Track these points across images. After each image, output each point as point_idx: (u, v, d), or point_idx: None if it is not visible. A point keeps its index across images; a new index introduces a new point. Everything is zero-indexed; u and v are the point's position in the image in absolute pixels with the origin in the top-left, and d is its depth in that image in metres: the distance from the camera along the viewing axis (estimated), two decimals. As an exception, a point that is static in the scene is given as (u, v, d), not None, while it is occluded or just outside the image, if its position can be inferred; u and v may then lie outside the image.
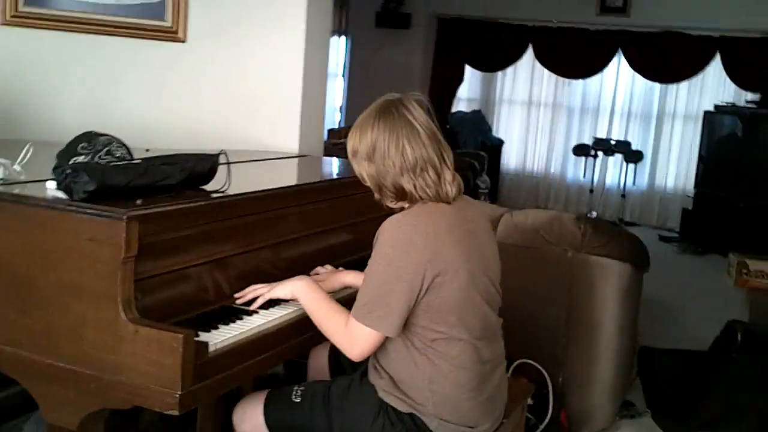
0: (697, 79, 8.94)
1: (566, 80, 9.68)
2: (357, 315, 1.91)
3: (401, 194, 1.99)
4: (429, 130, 1.98)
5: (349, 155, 2.06)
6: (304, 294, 2.03)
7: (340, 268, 2.38)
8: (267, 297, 2.05)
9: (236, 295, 2.06)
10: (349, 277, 2.32)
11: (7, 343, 1.83)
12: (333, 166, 3.50)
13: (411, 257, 1.88)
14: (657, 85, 9.21)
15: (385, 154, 1.96)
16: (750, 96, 8.32)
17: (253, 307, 2.03)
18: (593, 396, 3.38)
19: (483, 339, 2.00)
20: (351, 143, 2.04)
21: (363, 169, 2.02)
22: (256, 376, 2.66)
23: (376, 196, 2.07)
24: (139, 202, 1.81)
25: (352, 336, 1.92)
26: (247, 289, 2.08)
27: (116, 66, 3.59)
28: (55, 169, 1.89)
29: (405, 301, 1.88)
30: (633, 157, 9.06)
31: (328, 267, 2.37)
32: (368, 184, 2.05)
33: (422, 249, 1.88)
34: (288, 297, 2.05)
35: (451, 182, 1.99)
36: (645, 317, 4.23)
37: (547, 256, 3.33)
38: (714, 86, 8.91)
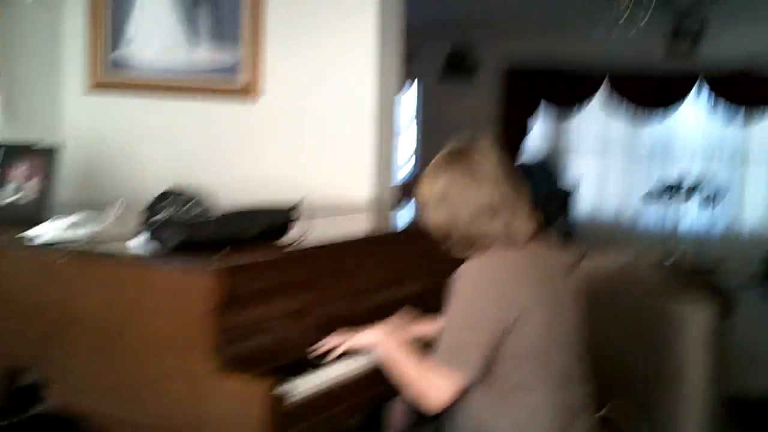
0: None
1: (641, 122, 9.55)
2: (442, 361, 1.89)
3: (473, 240, 1.98)
4: (500, 172, 1.98)
5: (420, 204, 2.06)
6: (383, 344, 2.03)
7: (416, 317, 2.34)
8: (346, 348, 2.05)
9: (313, 348, 2.06)
10: (421, 329, 2.28)
11: (95, 396, 1.90)
12: (404, 218, 3.53)
13: (487, 302, 1.87)
14: (738, 124, 8.98)
15: (456, 199, 1.96)
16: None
17: (331, 357, 2.03)
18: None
19: (562, 387, 1.98)
20: (421, 192, 2.04)
21: (435, 216, 2.02)
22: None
23: (446, 245, 2.06)
24: (224, 251, 1.86)
25: (437, 384, 1.89)
26: (327, 341, 2.07)
27: (193, 127, 3.74)
28: (143, 223, 1.96)
29: (483, 346, 1.87)
30: (711, 199, 8.84)
31: (414, 312, 2.33)
32: (439, 232, 2.04)
33: (499, 295, 1.87)
34: (368, 347, 2.05)
35: (525, 224, 1.98)
36: (736, 367, 4.08)
37: (625, 304, 3.27)
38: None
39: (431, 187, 2.00)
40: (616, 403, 2.99)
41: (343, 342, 2.06)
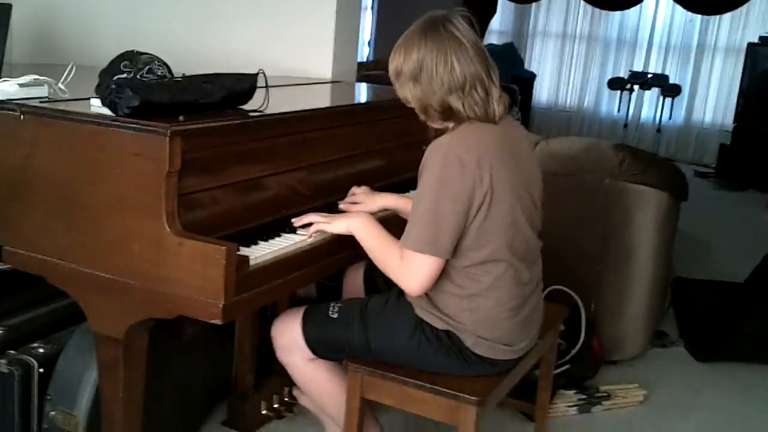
0: (741, 11, 8.69)
1: (603, 11, 9.48)
2: (410, 244, 1.89)
3: (448, 114, 1.96)
4: (476, 47, 1.95)
5: (392, 77, 2.02)
6: (360, 230, 2.02)
7: (371, 191, 2.35)
8: (322, 229, 2.04)
9: (294, 220, 2.06)
10: (387, 200, 2.31)
11: (57, 256, 1.88)
12: (366, 92, 3.49)
13: (464, 177, 1.86)
14: (698, 17, 8.99)
15: (432, 73, 1.92)
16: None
17: (308, 233, 2.02)
18: (626, 324, 3.40)
19: (524, 261, 2.01)
20: (394, 64, 1.99)
21: (408, 91, 1.99)
22: (292, 297, 2.72)
23: (422, 117, 2.04)
24: (181, 118, 1.82)
25: (409, 268, 1.90)
26: (306, 216, 2.06)
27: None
28: (98, 86, 1.91)
29: (457, 222, 1.87)
30: (670, 90, 8.92)
31: (364, 188, 2.34)
32: (413, 105, 2.01)
33: (473, 169, 1.86)
34: (344, 233, 2.03)
35: (498, 100, 1.97)
36: (680, 251, 4.23)
37: (584, 183, 3.32)
38: (759, 18, 8.67)
39: (406, 60, 1.95)
40: (558, 289, 3.09)
41: (322, 223, 2.04)
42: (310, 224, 2.05)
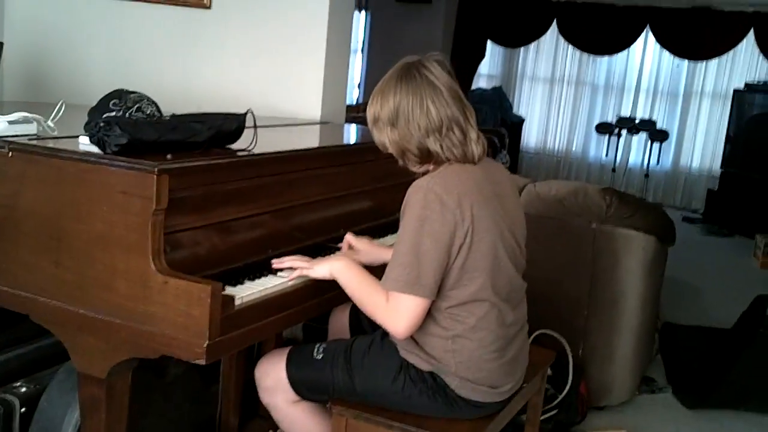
0: (727, 57, 8.84)
1: (591, 56, 9.62)
2: (393, 285, 1.88)
3: (427, 156, 1.98)
4: (451, 90, 1.97)
5: (370, 123, 2.04)
6: (342, 274, 2.00)
7: (374, 242, 2.33)
8: (304, 274, 2.01)
9: (273, 262, 2.04)
10: (388, 254, 2.28)
11: (42, 294, 1.87)
12: (354, 134, 3.52)
13: (443, 218, 1.86)
14: (684, 63, 9.12)
15: (409, 117, 1.94)
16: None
17: (289, 278, 2.00)
18: (614, 369, 3.39)
19: (508, 302, 2.01)
20: (372, 110, 2.01)
21: (385, 136, 2.00)
22: (278, 338, 2.71)
23: (400, 162, 2.05)
24: (169, 156, 1.83)
25: (395, 310, 1.89)
26: (286, 259, 2.04)
27: (142, 31, 3.62)
28: (87, 124, 1.91)
29: (439, 261, 1.87)
30: (658, 136, 9.01)
31: (362, 238, 2.30)
32: (390, 150, 2.03)
33: (454, 209, 1.87)
34: (326, 277, 2.00)
35: (476, 141, 1.98)
36: (668, 296, 4.24)
37: (571, 227, 3.33)
38: (745, 64, 8.82)
39: (383, 106, 1.98)
40: (545, 333, 3.09)
41: (304, 267, 2.02)
42: (291, 267, 2.04)
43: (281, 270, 2.04)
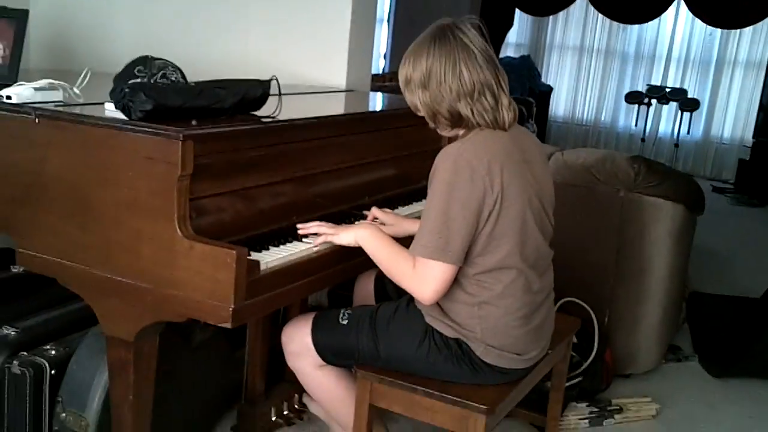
0: (762, 25, 8.64)
1: (621, 25, 9.47)
2: (421, 251, 1.88)
3: (458, 120, 1.96)
4: (485, 53, 1.94)
5: (402, 84, 2.02)
6: (368, 241, 2.00)
7: (399, 213, 2.34)
8: (329, 240, 2.02)
9: (299, 227, 2.05)
10: (414, 226, 2.23)
11: (69, 258, 1.90)
12: (379, 101, 3.50)
13: (473, 184, 1.85)
14: (717, 31, 8.95)
15: (441, 79, 1.92)
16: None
17: (314, 243, 2.01)
18: (639, 338, 3.37)
19: (535, 269, 2.00)
20: (404, 72, 2.00)
21: (417, 98, 1.98)
22: (303, 305, 2.73)
23: (431, 124, 2.04)
24: (194, 122, 1.84)
25: (422, 276, 1.89)
26: (312, 224, 2.05)
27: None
28: (112, 90, 1.92)
29: (468, 228, 1.86)
30: (688, 105, 8.87)
31: (387, 211, 2.30)
32: (422, 113, 2.01)
33: (484, 176, 1.85)
34: (351, 244, 2.02)
35: (507, 107, 1.96)
36: (696, 266, 4.20)
37: (598, 195, 3.30)
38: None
39: (415, 67, 1.96)
40: (571, 301, 3.08)
41: (329, 234, 2.03)
42: (316, 234, 2.05)
43: (306, 236, 2.05)
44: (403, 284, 1.96)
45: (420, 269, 1.89)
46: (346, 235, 2.03)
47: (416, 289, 1.93)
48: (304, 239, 2.04)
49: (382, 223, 2.23)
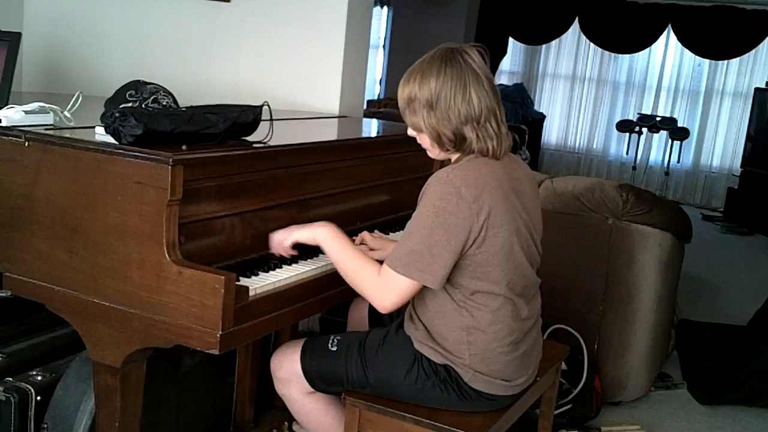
0: (749, 56, 8.76)
1: (612, 55, 9.57)
2: (396, 265, 1.88)
3: (459, 144, 1.96)
4: (491, 81, 1.96)
5: (403, 102, 1.99)
6: (325, 239, 2.01)
7: (388, 237, 2.35)
8: (288, 241, 2.04)
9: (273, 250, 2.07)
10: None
11: (57, 283, 1.89)
12: (373, 128, 3.52)
13: (461, 210, 1.85)
14: (706, 62, 9.05)
15: (450, 102, 1.91)
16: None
17: (286, 254, 2.04)
18: (628, 365, 3.37)
19: (523, 296, 2.01)
20: (408, 90, 1.97)
21: (420, 118, 1.96)
22: (293, 330, 2.72)
23: (429, 144, 2.02)
24: (184, 147, 1.84)
25: (387, 286, 1.89)
26: (271, 243, 2.07)
27: (161, 24, 3.65)
28: (103, 114, 1.93)
29: (452, 253, 1.87)
30: (678, 134, 8.94)
31: (377, 234, 2.32)
32: (421, 133, 2.00)
33: (472, 202, 1.86)
34: (309, 241, 2.03)
35: (506, 135, 1.97)
36: (687, 294, 4.21)
37: (587, 222, 3.32)
38: (766, 63, 8.72)
39: (422, 87, 1.94)
40: (561, 328, 3.07)
41: (286, 238, 2.05)
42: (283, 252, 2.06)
43: (297, 261, 2.05)
44: (360, 287, 1.96)
45: (387, 280, 1.89)
46: (303, 232, 2.04)
47: (377, 296, 1.92)
48: (286, 264, 2.04)
49: (371, 249, 2.23)
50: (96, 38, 3.67)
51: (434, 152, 2.04)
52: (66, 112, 2.08)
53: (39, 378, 2.23)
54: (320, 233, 2.02)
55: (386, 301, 1.92)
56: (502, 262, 1.92)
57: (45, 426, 2.17)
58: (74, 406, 2.15)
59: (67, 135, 1.93)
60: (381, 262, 1.96)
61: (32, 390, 2.18)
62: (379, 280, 1.91)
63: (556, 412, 2.66)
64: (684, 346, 4.03)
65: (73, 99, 2.13)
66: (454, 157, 2.01)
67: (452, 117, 1.92)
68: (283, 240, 2.06)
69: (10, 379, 2.21)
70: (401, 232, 2.48)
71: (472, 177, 1.91)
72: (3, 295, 2.61)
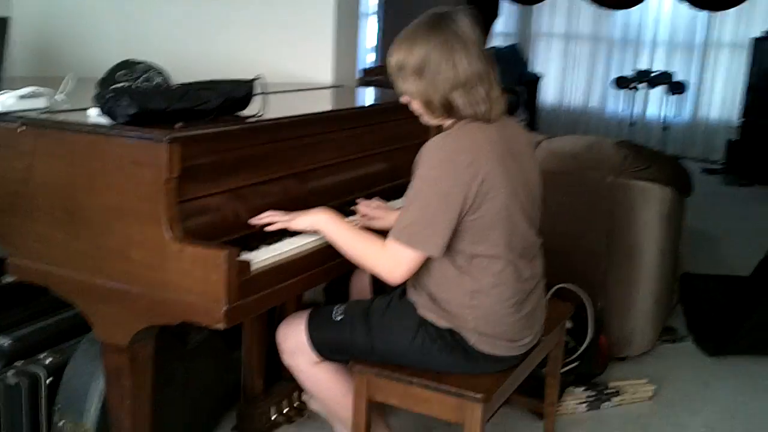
0: (745, 6, 8.65)
1: (606, 11, 9.47)
2: (400, 237, 1.89)
3: (449, 110, 1.96)
4: (480, 45, 1.95)
5: (393, 70, 1.99)
6: (325, 224, 2.00)
7: (386, 204, 2.35)
8: (283, 227, 2.01)
9: (252, 220, 2.01)
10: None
11: (59, 266, 1.90)
12: (368, 96, 3.50)
13: (455, 177, 1.86)
14: (702, 13, 8.96)
15: (437, 68, 1.91)
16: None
17: (268, 229, 2.00)
18: (633, 321, 3.39)
19: (523, 257, 2.02)
20: (396, 57, 1.96)
21: (410, 85, 1.97)
22: (298, 302, 2.73)
23: (418, 112, 2.03)
24: (179, 125, 1.84)
25: (394, 259, 1.91)
26: (264, 214, 2.03)
27: (151, 2, 3.62)
28: (96, 95, 1.92)
29: (450, 220, 1.88)
30: (676, 88, 8.88)
31: (375, 201, 2.32)
32: (412, 100, 2.00)
33: (466, 168, 1.86)
34: (308, 229, 2.01)
35: (498, 99, 1.97)
36: (688, 246, 4.21)
37: (586, 181, 3.31)
38: (764, 12, 8.63)
39: (409, 54, 1.94)
40: (565, 287, 3.08)
41: (283, 221, 2.02)
42: (271, 223, 2.02)
43: (296, 234, 2.05)
44: (366, 263, 1.97)
45: (394, 252, 1.90)
46: (303, 220, 2.02)
47: (385, 269, 1.93)
48: (287, 236, 2.03)
49: (372, 218, 2.24)
50: (86, 18, 3.65)
51: (427, 118, 2.04)
52: (59, 95, 2.07)
53: (48, 360, 2.25)
54: (320, 220, 2.01)
55: (395, 274, 1.93)
56: (501, 225, 1.93)
57: (57, 407, 2.20)
58: (85, 386, 2.17)
59: (61, 118, 1.93)
60: (384, 232, 1.96)
61: (42, 373, 2.20)
62: (385, 254, 1.92)
63: (563, 370, 2.68)
64: (688, 299, 4.05)
65: (65, 81, 2.12)
66: (447, 122, 2.00)
67: (440, 83, 1.92)
68: (279, 224, 2.02)
69: (20, 363, 2.23)
70: (400, 200, 2.50)
71: (464, 142, 1.91)
72: (8, 280, 2.63)
